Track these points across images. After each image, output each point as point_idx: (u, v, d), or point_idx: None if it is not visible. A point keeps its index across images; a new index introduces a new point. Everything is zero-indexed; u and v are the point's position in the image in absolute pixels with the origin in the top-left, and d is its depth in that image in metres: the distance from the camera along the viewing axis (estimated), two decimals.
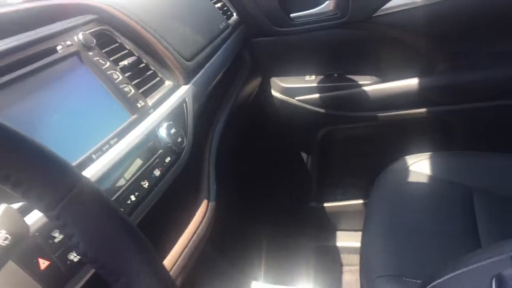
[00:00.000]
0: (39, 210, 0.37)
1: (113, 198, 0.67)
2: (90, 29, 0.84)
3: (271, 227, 1.63)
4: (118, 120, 0.76)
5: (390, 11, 1.30)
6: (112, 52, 0.85)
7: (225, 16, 1.31)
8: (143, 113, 0.81)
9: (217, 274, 1.02)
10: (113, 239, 0.38)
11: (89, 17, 0.86)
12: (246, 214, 1.56)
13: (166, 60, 0.94)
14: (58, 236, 0.55)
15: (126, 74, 0.84)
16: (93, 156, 0.67)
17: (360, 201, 1.63)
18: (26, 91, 0.66)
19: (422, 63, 1.39)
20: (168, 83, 0.93)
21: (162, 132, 0.80)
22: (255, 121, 1.61)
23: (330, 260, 1.62)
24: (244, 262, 1.22)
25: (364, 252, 1.09)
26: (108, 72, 0.80)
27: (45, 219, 0.54)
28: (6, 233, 0.39)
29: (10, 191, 0.36)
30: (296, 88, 1.52)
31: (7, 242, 0.39)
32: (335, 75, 1.48)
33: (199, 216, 0.90)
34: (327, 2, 1.33)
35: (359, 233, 1.16)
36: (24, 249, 0.52)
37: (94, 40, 0.80)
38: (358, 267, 1.08)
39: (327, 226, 1.70)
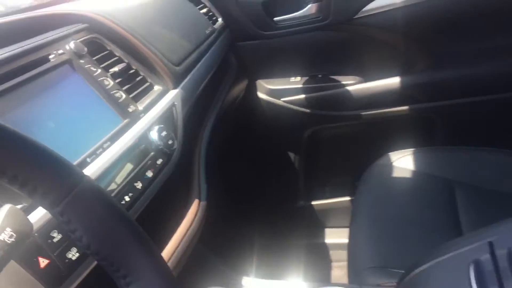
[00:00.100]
0: (44, 207, 0.40)
1: None
2: (81, 38, 0.86)
3: (261, 226, 1.65)
4: (111, 125, 0.78)
5: (370, 13, 1.34)
6: (102, 59, 0.88)
7: (210, 21, 1.34)
8: (135, 117, 0.83)
9: (209, 270, 1.05)
10: (114, 233, 0.41)
11: (79, 26, 0.89)
12: (236, 214, 1.58)
13: (155, 65, 0.97)
14: (56, 236, 0.57)
15: (117, 80, 0.86)
16: (88, 159, 0.70)
17: (347, 198, 1.66)
18: (21, 99, 0.69)
19: (402, 62, 1.43)
20: (157, 87, 0.96)
21: (153, 135, 0.83)
22: (242, 123, 1.63)
23: (320, 257, 1.65)
24: (235, 259, 1.25)
25: (351, 246, 1.12)
26: (99, 79, 0.82)
27: (44, 220, 0.57)
28: (11, 231, 0.41)
29: (17, 191, 0.38)
30: (282, 90, 1.55)
31: (12, 239, 0.42)
32: (319, 76, 1.51)
33: (191, 215, 0.93)
34: (309, 5, 1.37)
35: (347, 230, 1.19)
36: (25, 249, 0.54)
37: (85, 48, 0.83)
38: (346, 263, 1.10)
39: (315, 224, 1.73)
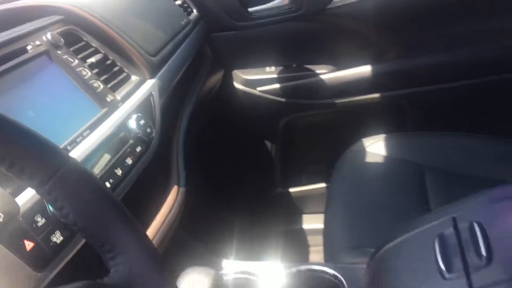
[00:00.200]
0: (32, 187, 0.42)
1: None
2: (57, 29, 0.87)
3: (241, 213, 1.68)
4: (89, 114, 0.80)
5: (341, 3, 1.38)
6: (79, 50, 0.89)
7: (185, 13, 1.35)
8: (113, 107, 0.85)
9: (190, 253, 1.07)
10: (99, 210, 0.43)
11: (56, 17, 0.90)
12: (216, 200, 1.60)
13: (131, 56, 0.98)
14: (40, 220, 0.60)
15: (94, 71, 0.87)
16: (68, 147, 0.71)
17: (323, 185, 1.68)
18: (0, 90, 0.70)
19: (373, 51, 1.46)
20: (134, 78, 0.97)
21: (132, 124, 0.85)
22: (219, 112, 1.64)
23: (297, 242, 1.68)
24: (216, 243, 1.27)
25: (326, 230, 1.15)
26: (77, 69, 0.83)
27: (28, 205, 0.59)
28: None
29: (5, 171, 0.40)
30: (257, 80, 1.56)
31: (0, 220, 0.44)
32: (294, 65, 1.54)
33: (171, 201, 0.95)
34: None
35: (323, 216, 1.22)
36: (11, 232, 0.56)
37: (62, 40, 0.84)
38: (322, 247, 1.13)
39: (292, 210, 1.75)
